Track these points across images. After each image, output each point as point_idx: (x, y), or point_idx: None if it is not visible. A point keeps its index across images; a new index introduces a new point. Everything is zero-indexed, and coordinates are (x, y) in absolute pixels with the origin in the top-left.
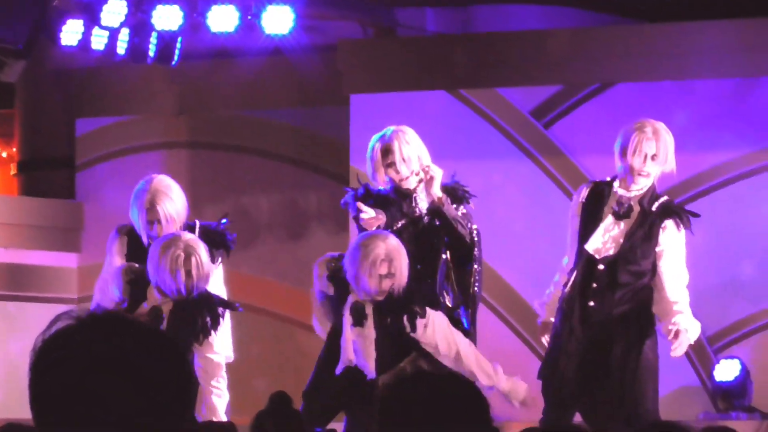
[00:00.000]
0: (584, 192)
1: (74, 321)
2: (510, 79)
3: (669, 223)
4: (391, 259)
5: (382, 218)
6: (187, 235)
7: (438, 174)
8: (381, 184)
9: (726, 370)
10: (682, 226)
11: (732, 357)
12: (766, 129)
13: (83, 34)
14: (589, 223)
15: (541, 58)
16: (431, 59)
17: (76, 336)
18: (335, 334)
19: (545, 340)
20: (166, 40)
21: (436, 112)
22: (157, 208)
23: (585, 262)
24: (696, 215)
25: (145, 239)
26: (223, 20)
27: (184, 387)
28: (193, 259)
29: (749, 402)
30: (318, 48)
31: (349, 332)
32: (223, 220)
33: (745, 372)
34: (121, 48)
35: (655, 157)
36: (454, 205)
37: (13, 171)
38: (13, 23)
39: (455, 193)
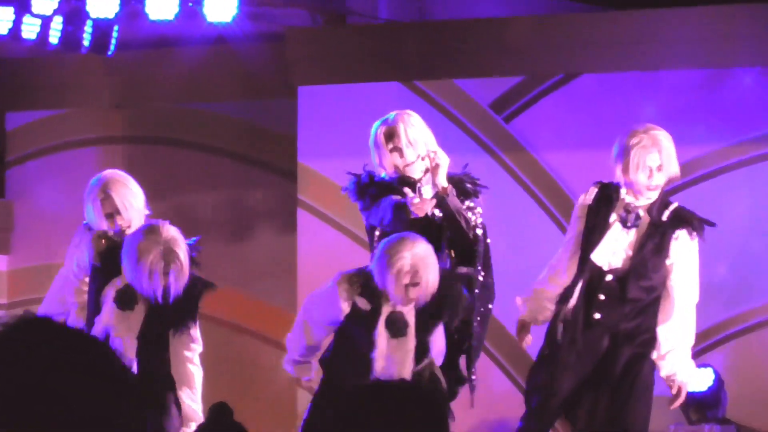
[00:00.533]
0: (592, 194)
1: (2, 328)
2: (468, 69)
3: (681, 233)
4: (416, 270)
5: (432, 202)
6: (168, 230)
7: (444, 162)
8: (389, 170)
9: (698, 380)
10: (695, 234)
11: (705, 365)
12: (738, 123)
13: (13, 22)
14: (594, 229)
15: (501, 47)
16: (384, 48)
17: (4, 343)
18: (337, 360)
19: (526, 340)
20: (102, 28)
21: (390, 105)
22: (112, 196)
23: (591, 271)
24: (711, 224)
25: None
26: (162, 7)
27: (117, 388)
28: (174, 265)
29: (723, 413)
30: (264, 36)
31: (384, 347)
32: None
33: (718, 381)
34: (54, 37)
35: (660, 168)
36: (462, 198)
37: None
38: None
39: (462, 184)
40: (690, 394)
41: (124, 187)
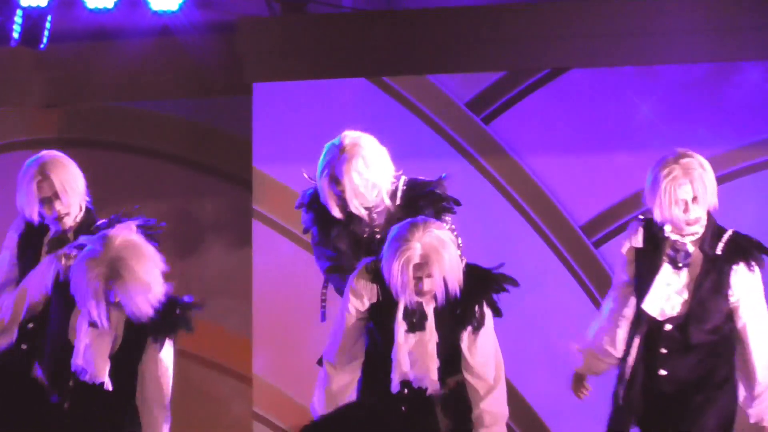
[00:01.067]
0: (639, 234)
1: None
2: (442, 64)
3: (740, 267)
4: (427, 261)
5: None
6: (117, 244)
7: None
8: (336, 214)
9: None
10: (754, 265)
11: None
12: (745, 123)
13: None
14: (645, 275)
15: (479, 39)
16: (349, 40)
17: None
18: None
19: (583, 393)
20: (34, 18)
21: (355, 103)
22: (51, 178)
23: (647, 324)
24: None
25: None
26: None
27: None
28: (118, 287)
29: None
30: (214, 27)
31: (402, 341)
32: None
33: None
34: None
35: (696, 200)
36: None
37: None
38: None
39: (435, 205)
40: None
41: (65, 169)
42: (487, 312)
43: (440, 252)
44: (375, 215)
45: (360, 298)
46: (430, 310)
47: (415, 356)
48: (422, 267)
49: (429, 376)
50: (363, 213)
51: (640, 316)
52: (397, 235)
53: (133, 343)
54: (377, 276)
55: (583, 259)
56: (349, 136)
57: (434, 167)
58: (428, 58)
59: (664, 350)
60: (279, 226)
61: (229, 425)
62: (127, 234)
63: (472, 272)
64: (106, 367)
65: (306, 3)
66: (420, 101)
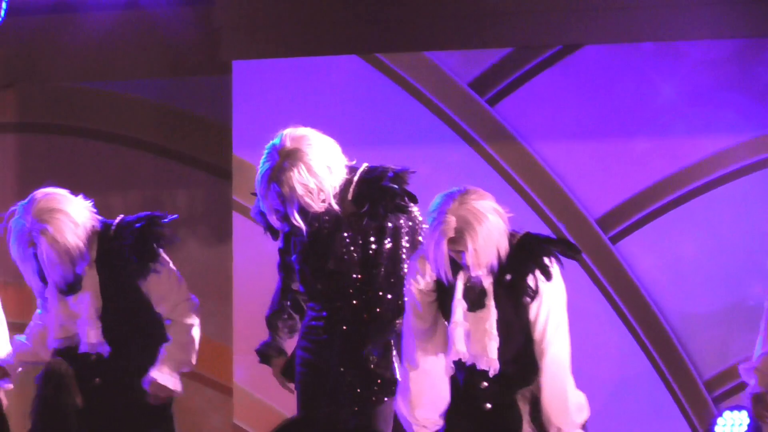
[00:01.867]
0: None
1: None
2: (443, 40)
3: None
4: (461, 233)
5: None
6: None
7: None
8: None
9: (730, 426)
10: None
11: (739, 407)
12: None
13: None
14: None
15: (483, 12)
16: (339, 14)
17: None
18: None
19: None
20: None
21: (346, 83)
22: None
23: None
24: None
25: None
26: None
27: None
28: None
29: None
30: (188, 1)
31: (460, 319)
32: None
33: (754, 427)
34: None
35: None
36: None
37: None
38: None
39: (385, 199)
40: None
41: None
42: (554, 284)
43: (473, 225)
44: (326, 218)
45: (423, 277)
46: (489, 286)
47: (473, 335)
48: (457, 241)
49: (487, 355)
50: (302, 225)
51: None
52: (433, 209)
53: (119, 296)
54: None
55: (599, 255)
56: (290, 137)
57: (433, 153)
58: (426, 33)
59: None
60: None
61: None
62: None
63: (525, 241)
64: (97, 332)
65: None
66: (417, 80)
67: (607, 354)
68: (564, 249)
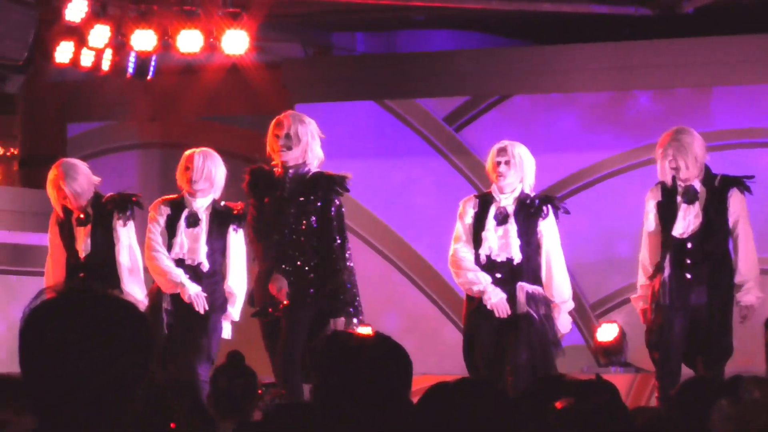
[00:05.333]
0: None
1: (55, 294)
2: (427, 91)
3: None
4: (504, 147)
5: None
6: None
7: None
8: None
9: (606, 332)
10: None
11: (611, 321)
12: (636, 133)
13: (73, 53)
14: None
15: (452, 73)
16: (361, 75)
17: (56, 307)
18: None
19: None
20: (142, 58)
21: (366, 119)
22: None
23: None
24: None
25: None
26: (189, 42)
27: (145, 350)
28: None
29: (625, 358)
30: (267, 65)
31: (492, 229)
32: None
33: (621, 333)
34: (105, 65)
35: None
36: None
37: (15, 167)
38: (14, 44)
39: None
40: (599, 343)
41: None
42: (551, 219)
43: (515, 145)
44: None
45: (467, 211)
46: (511, 208)
47: (502, 239)
48: (500, 152)
49: (511, 250)
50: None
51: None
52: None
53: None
54: (477, 197)
55: None
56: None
57: (420, 163)
58: (416, 87)
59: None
60: None
61: None
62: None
63: (543, 195)
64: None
65: (331, 48)
66: (410, 117)
67: None
68: (558, 207)
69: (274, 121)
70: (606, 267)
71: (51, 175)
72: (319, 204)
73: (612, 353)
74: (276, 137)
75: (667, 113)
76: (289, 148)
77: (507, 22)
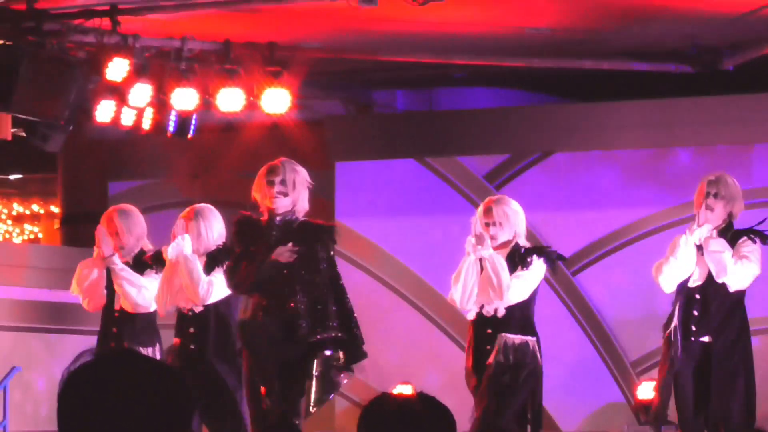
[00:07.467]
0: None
1: (94, 357)
2: (467, 148)
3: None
4: (490, 208)
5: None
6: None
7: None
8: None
9: (646, 390)
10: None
11: (651, 379)
12: (676, 190)
13: (114, 111)
14: None
15: (492, 131)
16: (401, 132)
17: (95, 370)
18: None
19: None
20: (183, 117)
21: (406, 176)
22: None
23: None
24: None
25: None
26: (230, 101)
27: (184, 409)
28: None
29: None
30: (308, 122)
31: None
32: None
33: None
34: (146, 123)
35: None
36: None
37: (56, 225)
38: (56, 104)
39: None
40: (640, 401)
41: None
42: (536, 266)
43: (500, 205)
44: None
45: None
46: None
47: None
48: (486, 214)
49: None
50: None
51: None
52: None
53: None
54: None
55: (564, 283)
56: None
57: (460, 221)
58: (457, 144)
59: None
60: (355, 261)
61: None
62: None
63: (535, 246)
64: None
65: (371, 106)
66: (451, 175)
67: (567, 344)
68: (550, 256)
69: (265, 167)
70: (646, 324)
71: (105, 214)
72: (311, 253)
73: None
74: (269, 183)
75: (707, 170)
76: (285, 195)
77: (547, 79)
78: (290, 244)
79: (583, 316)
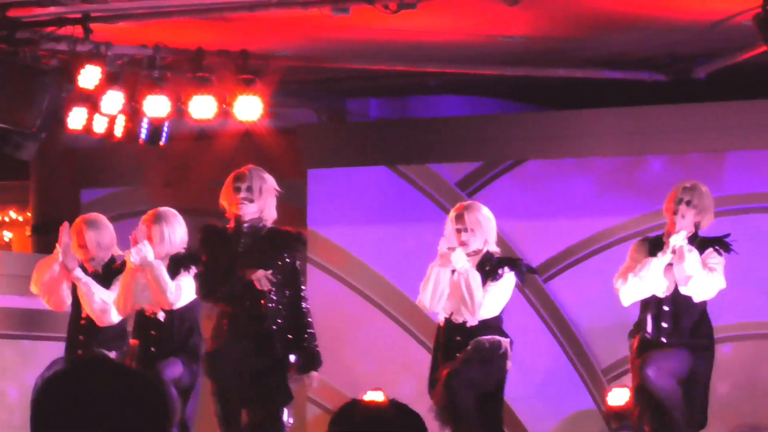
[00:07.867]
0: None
1: (68, 365)
2: (439, 156)
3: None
4: (461, 216)
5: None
6: None
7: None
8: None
9: (617, 396)
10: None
11: (622, 386)
12: (649, 198)
13: (86, 119)
14: None
15: (464, 139)
16: (374, 140)
17: (69, 378)
18: None
19: None
20: (155, 124)
21: (379, 185)
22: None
23: None
24: None
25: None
26: (203, 108)
27: (160, 417)
28: None
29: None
30: (281, 130)
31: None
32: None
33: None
34: (118, 131)
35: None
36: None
37: (28, 232)
38: (28, 112)
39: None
40: (610, 407)
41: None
42: (507, 278)
43: (473, 211)
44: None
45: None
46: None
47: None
48: (456, 222)
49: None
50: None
51: None
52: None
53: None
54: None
55: (536, 291)
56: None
57: (432, 228)
58: (429, 152)
59: None
60: (327, 269)
61: None
62: None
63: (506, 258)
64: None
65: (344, 114)
66: (423, 182)
67: (539, 351)
68: (521, 268)
69: (233, 174)
70: (618, 331)
71: (74, 224)
72: (278, 261)
73: (624, 417)
74: (236, 190)
75: (680, 178)
76: (251, 201)
77: (520, 88)
78: (270, 272)
79: (554, 322)
